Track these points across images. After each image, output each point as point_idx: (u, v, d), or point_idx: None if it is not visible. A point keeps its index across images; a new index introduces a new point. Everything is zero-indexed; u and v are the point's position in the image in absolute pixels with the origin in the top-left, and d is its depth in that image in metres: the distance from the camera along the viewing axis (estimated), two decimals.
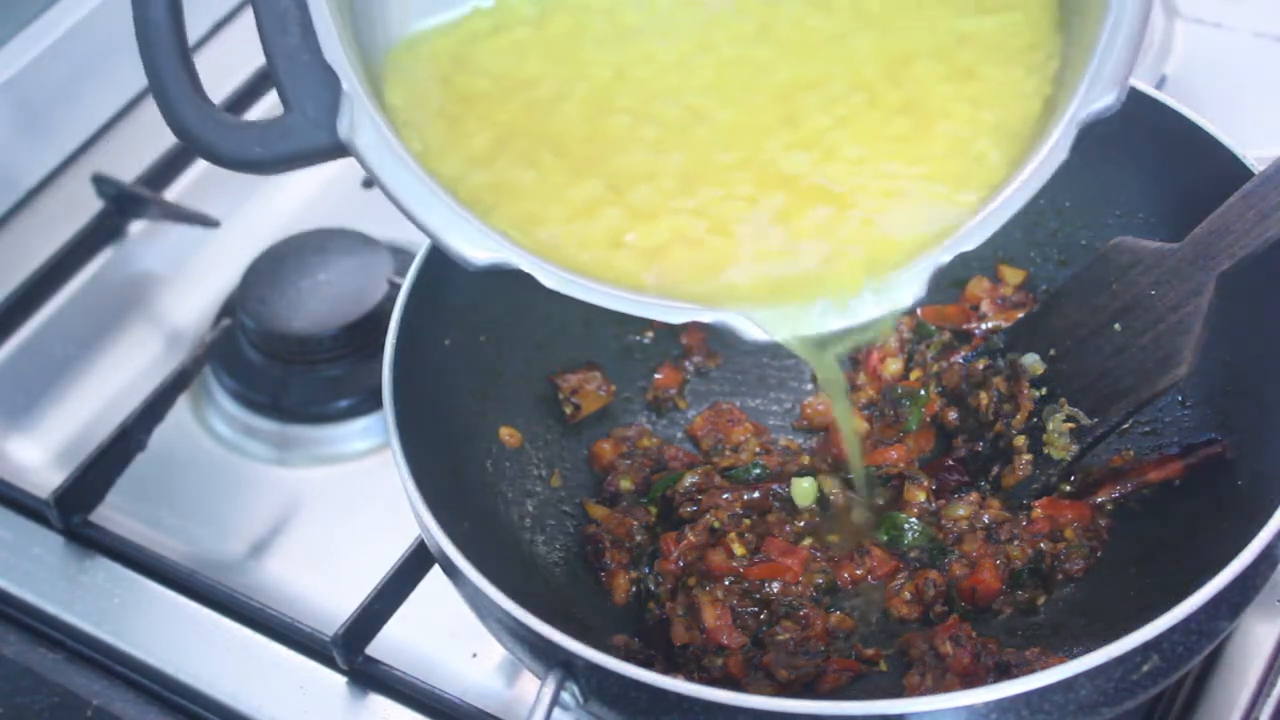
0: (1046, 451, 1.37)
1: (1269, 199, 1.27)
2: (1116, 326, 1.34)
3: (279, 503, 1.59)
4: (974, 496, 1.38)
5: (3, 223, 1.82)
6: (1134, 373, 1.33)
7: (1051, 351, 1.39)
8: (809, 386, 1.52)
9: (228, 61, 1.94)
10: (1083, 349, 1.37)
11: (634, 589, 1.39)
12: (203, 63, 1.84)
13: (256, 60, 1.91)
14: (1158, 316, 1.32)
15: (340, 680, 1.41)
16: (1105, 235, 1.44)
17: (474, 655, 1.43)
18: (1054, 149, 1.14)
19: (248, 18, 1.94)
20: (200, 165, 1.85)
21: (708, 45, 1.26)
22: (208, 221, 1.80)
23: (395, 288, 1.55)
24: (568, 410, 1.47)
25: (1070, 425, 1.35)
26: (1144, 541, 1.36)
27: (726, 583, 1.34)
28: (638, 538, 1.40)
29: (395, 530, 1.42)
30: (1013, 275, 1.53)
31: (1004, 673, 1.25)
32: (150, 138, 1.85)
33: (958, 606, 1.34)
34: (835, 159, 1.19)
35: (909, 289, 1.13)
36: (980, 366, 1.43)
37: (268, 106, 1.90)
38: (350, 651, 1.39)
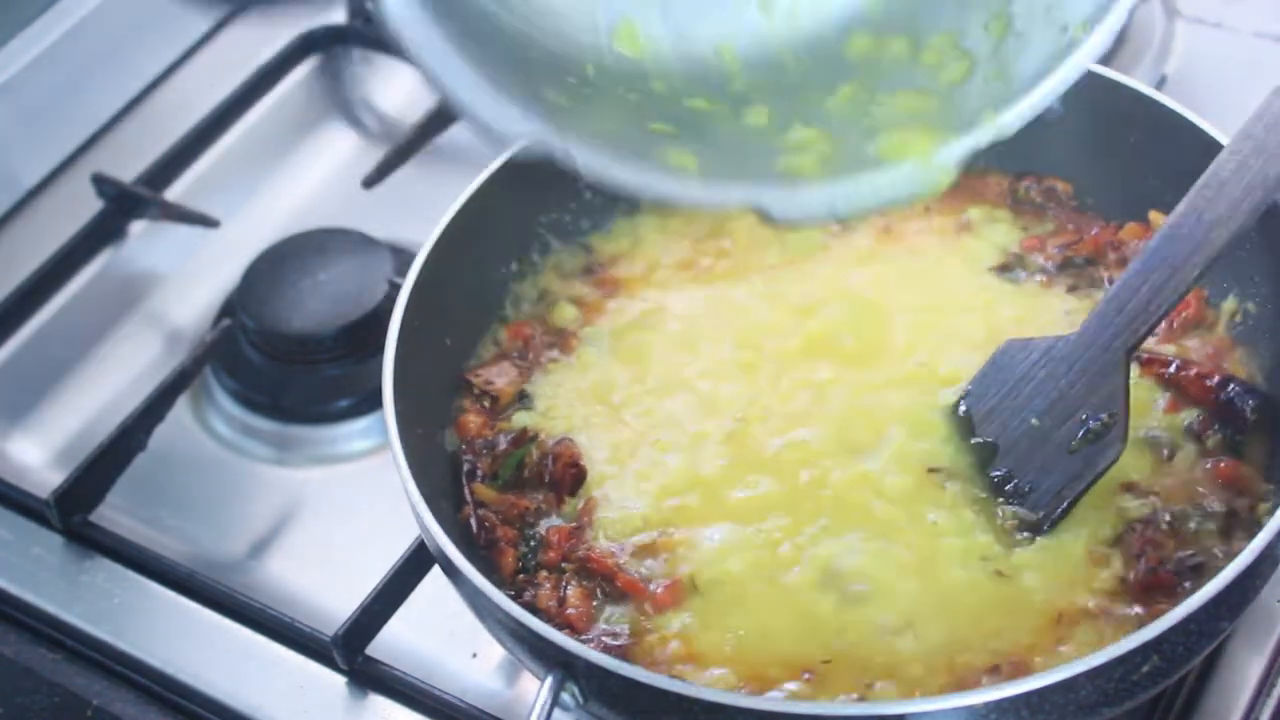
0: None
1: (1159, 274, 1.30)
2: (1034, 422, 1.33)
3: (279, 503, 1.59)
4: None
5: (3, 223, 1.82)
6: (1069, 461, 1.31)
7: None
8: None
9: (228, 61, 1.94)
10: (1014, 448, 1.35)
11: (520, 565, 1.36)
12: (201, 63, 1.85)
13: (256, 60, 1.93)
14: (1076, 406, 1.32)
15: (340, 680, 1.41)
16: None
17: (474, 655, 1.43)
18: None
19: (241, 23, 1.97)
20: (200, 165, 1.85)
21: None
22: (208, 221, 1.80)
23: (395, 288, 1.55)
24: (486, 404, 1.46)
25: (1014, 524, 1.33)
26: None
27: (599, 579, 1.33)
28: (528, 520, 1.38)
29: (395, 530, 1.42)
30: None
31: None
32: (150, 138, 1.85)
33: None
34: None
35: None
36: None
37: (266, 109, 1.91)
38: (350, 651, 1.39)
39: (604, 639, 1.27)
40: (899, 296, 1.48)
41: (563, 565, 1.33)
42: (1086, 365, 1.32)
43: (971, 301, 1.47)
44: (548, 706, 1.14)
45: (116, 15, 1.89)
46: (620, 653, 1.25)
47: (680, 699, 1.12)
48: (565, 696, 1.16)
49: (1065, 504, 1.30)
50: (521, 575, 1.34)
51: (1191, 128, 1.41)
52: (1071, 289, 1.46)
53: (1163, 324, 1.37)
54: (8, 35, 1.85)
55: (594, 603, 1.30)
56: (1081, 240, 1.48)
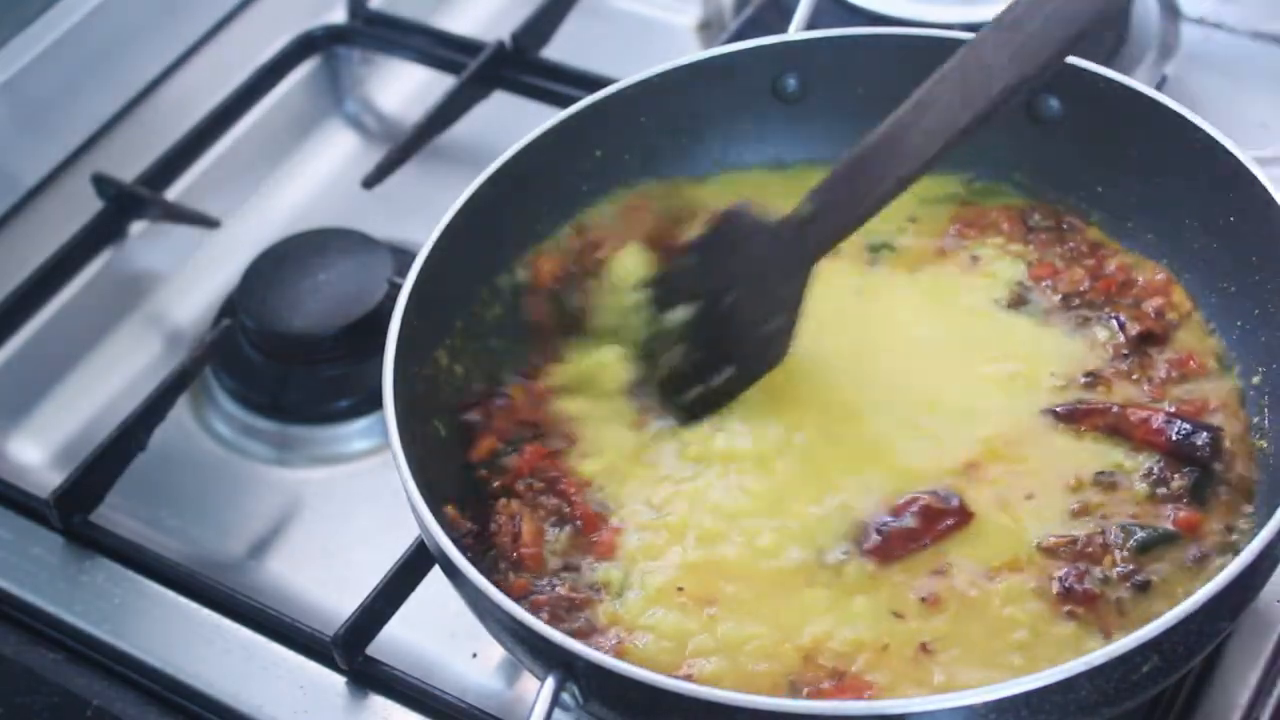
0: None
1: (865, 178, 1.30)
2: (729, 298, 1.37)
3: (279, 503, 1.59)
4: None
5: (3, 223, 1.81)
6: (743, 352, 1.37)
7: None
8: None
9: (228, 61, 1.94)
10: (706, 314, 1.40)
11: (491, 458, 1.39)
12: (201, 63, 1.86)
13: (256, 60, 1.93)
14: (766, 297, 1.35)
15: (340, 680, 1.41)
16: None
17: (474, 655, 1.43)
18: None
19: (241, 23, 1.97)
20: (200, 165, 1.85)
21: None
22: (208, 221, 1.80)
23: (395, 288, 1.55)
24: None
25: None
26: None
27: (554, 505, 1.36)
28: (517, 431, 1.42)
29: (395, 530, 1.42)
30: None
31: None
32: (150, 138, 1.85)
33: None
34: None
35: None
36: None
37: (266, 109, 1.91)
38: (350, 651, 1.39)
39: (559, 590, 1.29)
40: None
41: (529, 479, 1.36)
42: (779, 261, 1.35)
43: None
44: (548, 707, 1.14)
45: (116, 15, 1.89)
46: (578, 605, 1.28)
47: (681, 699, 1.12)
48: (565, 697, 1.16)
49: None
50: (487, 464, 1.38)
51: (1191, 128, 1.40)
52: (1082, 324, 1.43)
53: (1157, 373, 1.37)
54: (8, 35, 1.84)
55: (545, 541, 1.33)
56: (1095, 283, 1.45)
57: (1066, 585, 1.24)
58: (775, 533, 1.31)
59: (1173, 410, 1.34)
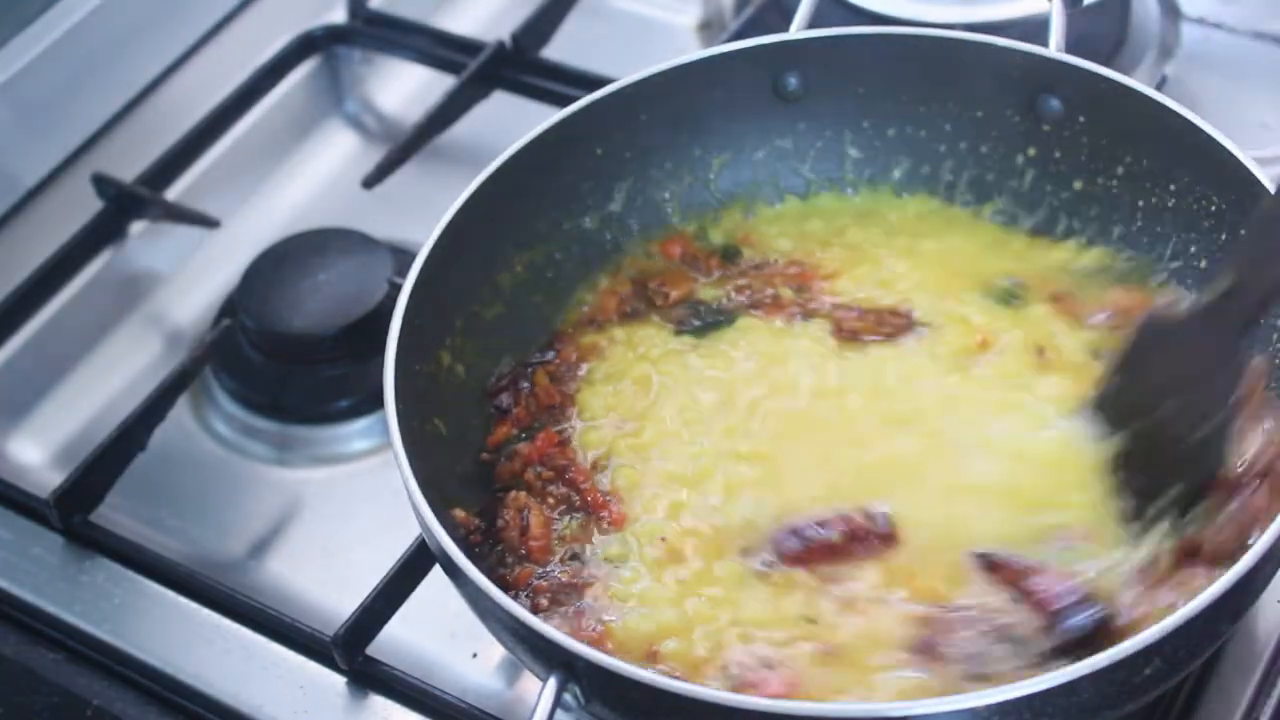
0: None
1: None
2: (1165, 411, 1.25)
3: (279, 503, 1.59)
4: None
5: (3, 223, 1.81)
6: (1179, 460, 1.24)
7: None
8: None
9: (228, 61, 1.94)
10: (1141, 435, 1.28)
11: (505, 445, 1.41)
12: (201, 63, 1.86)
13: (256, 60, 1.93)
14: (1203, 398, 1.22)
15: (340, 680, 1.41)
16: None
17: (474, 655, 1.43)
18: None
19: (241, 23, 1.97)
20: (200, 165, 1.85)
21: None
22: (208, 221, 1.80)
23: (395, 288, 1.55)
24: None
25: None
26: None
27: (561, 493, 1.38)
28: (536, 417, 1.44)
29: (395, 530, 1.42)
30: None
31: None
32: (150, 138, 1.85)
33: None
34: None
35: None
36: None
37: (266, 109, 1.91)
38: (350, 651, 1.39)
39: (558, 576, 1.31)
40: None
41: (539, 468, 1.38)
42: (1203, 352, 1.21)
43: None
44: (550, 707, 1.14)
45: (116, 15, 1.89)
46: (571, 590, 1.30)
47: (681, 700, 1.12)
48: (567, 697, 1.16)
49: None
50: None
51: (1191, 128, 1.40)
52: None
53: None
54: (8, 35, 1.84)
55: (554, 531, 1.34)
56: None
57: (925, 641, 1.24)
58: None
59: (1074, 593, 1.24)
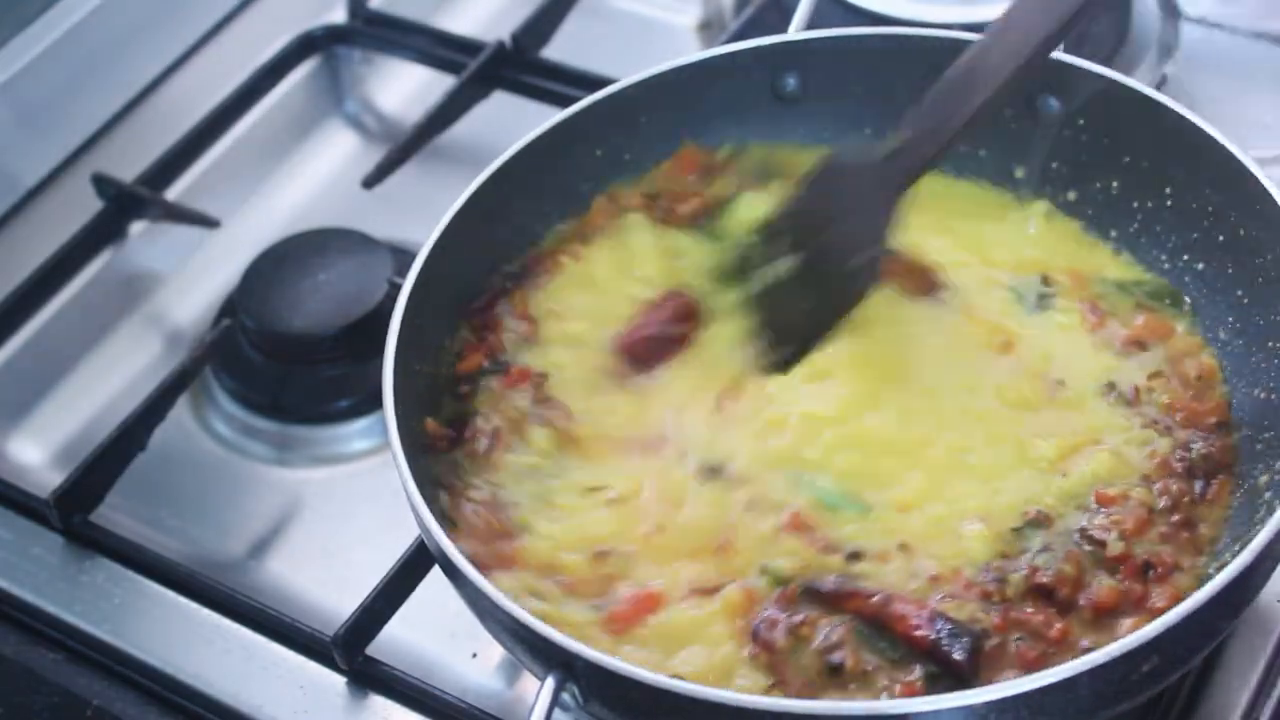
0: None
1: (947, 106, 1.33)
2: (824, 237, 1.39)
3: (279, 503, 1.59)
4: None
5: (3, 223, 1.81)
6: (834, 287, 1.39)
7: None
8: None
9: (228, 61, 1.94)
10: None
11: (478, 374, 1.42)
12: (201, 63, 1.86)
13: (256, 60, 1.93)
14: (857, 232, 1.38)
15: (340, 680, 1.41)
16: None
17: (474, 655, 1.43)
18: None
19: (241, 23, 1.97)
20: (200, 165, 1.85)
21: None
22: (208, 221, 1.80)
23: (395, 288, 1.55)
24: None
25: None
26: None
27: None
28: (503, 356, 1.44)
29: (395, 530, 1.42)
30: None
31: None
32: (150, 138, 1.85)
33: None
34: None
35: None
36: None
37: (266, 109, 1.91)
38: (350, 651, 1.39)
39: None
40: None
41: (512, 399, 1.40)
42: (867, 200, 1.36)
43: None
44: (548, 706, 1.14)
45: (116, 15, 1.89)
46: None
47: (681, 699, 1.12)
48: (565, 697, 1.16)
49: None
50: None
51: (1192, 128, 1.40)
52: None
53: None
54: (8, 35, 1.84)
55: (529, 440, 1.38)
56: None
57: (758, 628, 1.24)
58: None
59: (938, 609, 1.22)
